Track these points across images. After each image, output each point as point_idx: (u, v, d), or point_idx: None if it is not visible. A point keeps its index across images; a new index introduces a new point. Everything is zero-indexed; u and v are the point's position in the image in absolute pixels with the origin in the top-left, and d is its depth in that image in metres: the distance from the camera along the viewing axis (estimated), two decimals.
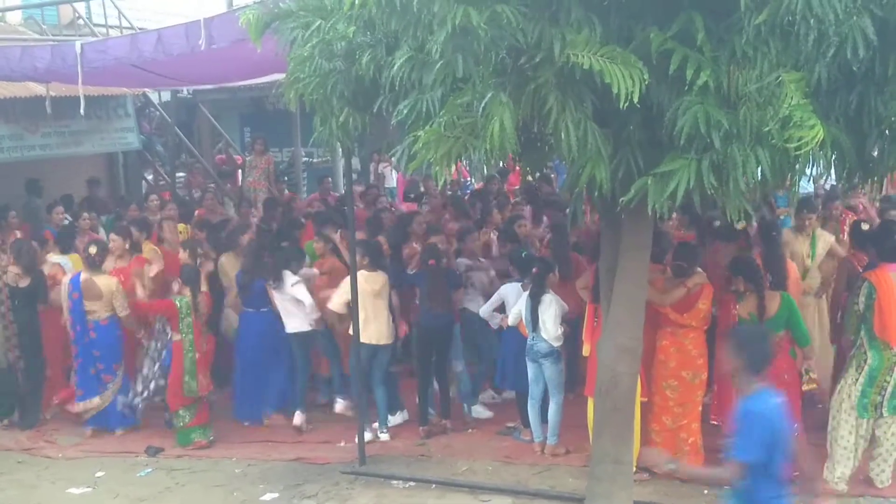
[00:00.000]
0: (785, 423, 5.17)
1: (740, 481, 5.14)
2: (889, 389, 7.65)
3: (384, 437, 9.51)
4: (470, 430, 9.69)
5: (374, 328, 9.28)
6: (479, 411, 10.04)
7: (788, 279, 8.51)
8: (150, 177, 19.07)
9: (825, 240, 9.72)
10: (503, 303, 9.28)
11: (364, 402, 9.03)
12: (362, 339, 9.04)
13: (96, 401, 9.85)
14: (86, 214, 12.62)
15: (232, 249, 10.69)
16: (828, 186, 12.78)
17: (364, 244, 9.47)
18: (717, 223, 9.70)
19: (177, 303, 9.36)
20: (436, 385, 9.75)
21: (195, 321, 9.36)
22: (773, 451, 5.05)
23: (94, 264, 9.74)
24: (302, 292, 9.57)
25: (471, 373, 10.04)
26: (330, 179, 17.33)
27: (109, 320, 9.76)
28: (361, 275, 9.11)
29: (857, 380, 7.72)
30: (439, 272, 9.45)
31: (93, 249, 9.76)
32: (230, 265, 10.44)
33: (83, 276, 9.73)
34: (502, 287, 9.39)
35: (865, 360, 7.70)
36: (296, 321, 9.73)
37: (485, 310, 9.43)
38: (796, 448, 5.30)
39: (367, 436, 9.15)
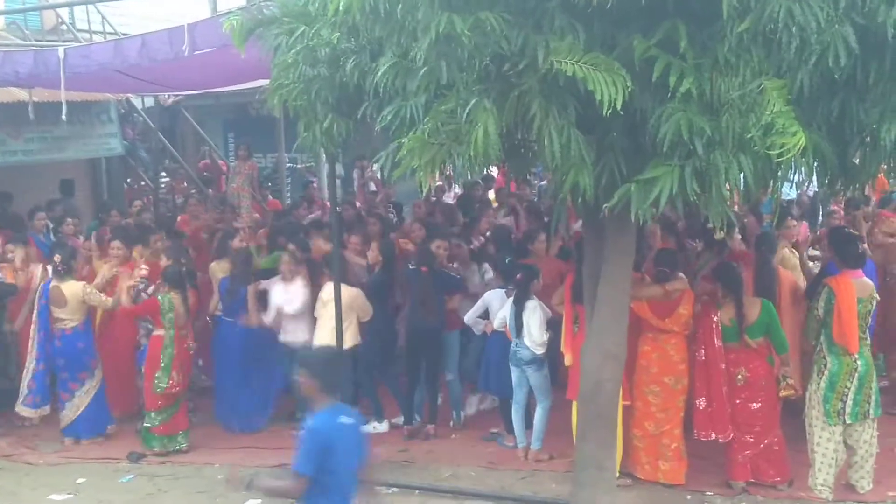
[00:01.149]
0: (348, 442, 5.36)
1: (302, 495, 5.31)
2: (850, 396, 7.69)
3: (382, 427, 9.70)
4: (453, 436, 9.69)
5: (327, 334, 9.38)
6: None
7: (781, 287, 8.58)
8: (129, 180, 18.97)
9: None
10: (486, 309, 9.29)
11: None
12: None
13: (47, 409, 9.85)
14: (69, 220, 12.57)
15: (223, 256, 10.63)
16: (811, 193, 12.90)
17: (328, 257, 9.55)
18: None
19: (159, 299, 9.34)
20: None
21: (176, 319, 9.35)
22: (327, 468, 5.23)
23: (59, 273, 9.68)
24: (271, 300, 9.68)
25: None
26: (315, 185, 17.28)
27: (73, 330, 9.67)
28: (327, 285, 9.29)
29: (819, 385, 7.78)
30: (430, 278, 9.45)
31: (57, 258, 9.74)
32: (221, 272, 10.36)
33: (52, 283, 9.69)
34: (486, 293, 9.42)
35: (825, 366, 7.77)
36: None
37: (469, 316, 9.46)
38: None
39: (384, 426, 9.57)
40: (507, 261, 9.37)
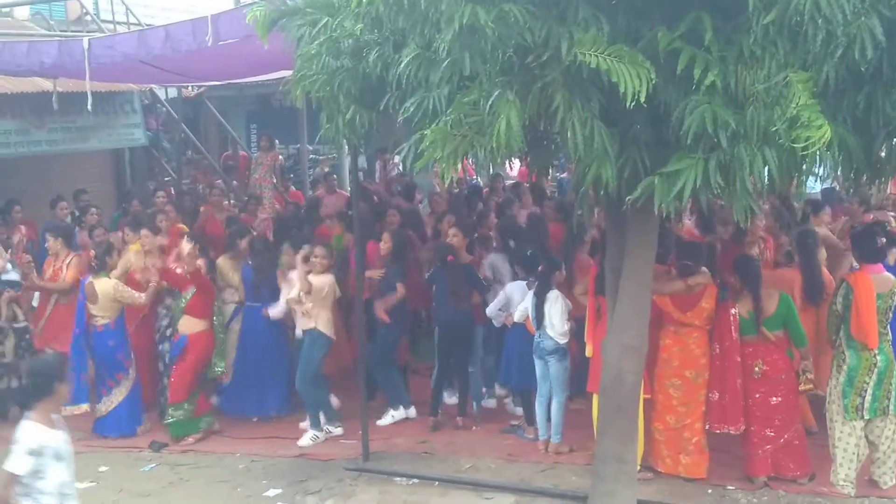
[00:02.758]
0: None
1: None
2: (869, 391, 7.64)
3: (337, 430, 9.67)
4: (474, 428, 9.69)
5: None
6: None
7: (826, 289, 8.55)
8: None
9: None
10: (508, 302, 9.29)
11: (365, 397, 9.03)
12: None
13: (84, 407, 9.72)
14: (94, 210, 12.65)
15: (230, 251, 10.64)
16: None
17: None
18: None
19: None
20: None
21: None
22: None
23: (93, 269, 9.72)
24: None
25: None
26: (335, 176, 17.30)
27: (105, 327, 9.66)
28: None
29: (838, 380, 7.74)
30: (457, 269, 9.47)
31: (91, 254, 9.82)
32: (227, 267, 10.33)
33: (89, 279, 9.70)
34: (507, 286, 9.41)
35: (844, 361, 7.72)
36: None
37: (491, 309, 9.43)
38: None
39: (322, 434, 9.51)
40: (528, 253, 9.35)
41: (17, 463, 5.59)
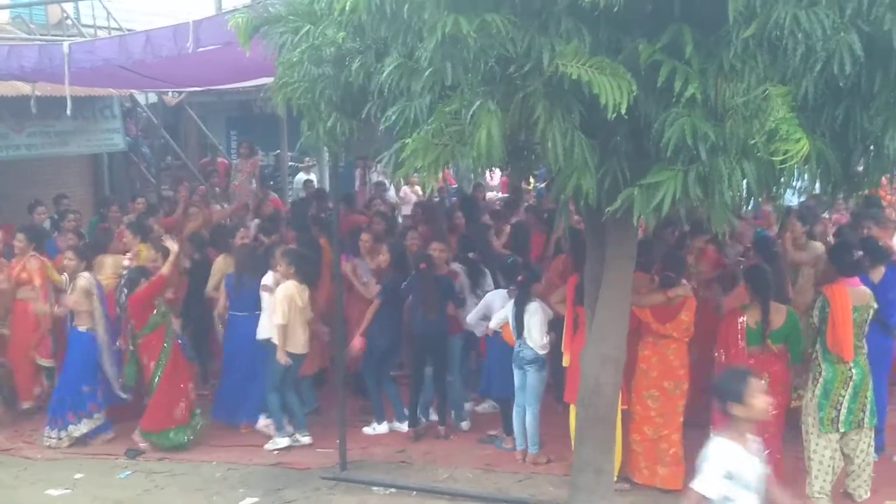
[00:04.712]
0: None
1: None
2: (844, 405, 7.67)
3: (305, 439, 9.63)
4: (451, 438, 9.68)
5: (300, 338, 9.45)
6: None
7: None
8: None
9: (815, 251, 9.76)
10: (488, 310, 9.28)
11: (343, 407, 9.00)
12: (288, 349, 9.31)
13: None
14: (71, 215, 12.59)
15: (227, 251, 10.63)
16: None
17: (295, 255, 9.52)
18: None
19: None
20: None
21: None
22: None
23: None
24: (269, 301, 9.54)
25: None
26: (315, 184, 17.29)
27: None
28: (294, 286, 9.29)
29: (814, 393, 7.76)
30: (430, 278, 9.43)
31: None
32: (226, 266, 10.34)
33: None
34: (488, 294, 9.41)
35: (820, 374, 7.73)
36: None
37: (471, 318, 9.41)
38: None
39: (286, 441, 9.48)
40: (509, 260, 9.35)
41: (709, 486, 4.94)
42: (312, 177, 19.78)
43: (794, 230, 9.99)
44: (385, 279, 10.05)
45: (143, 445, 9.50)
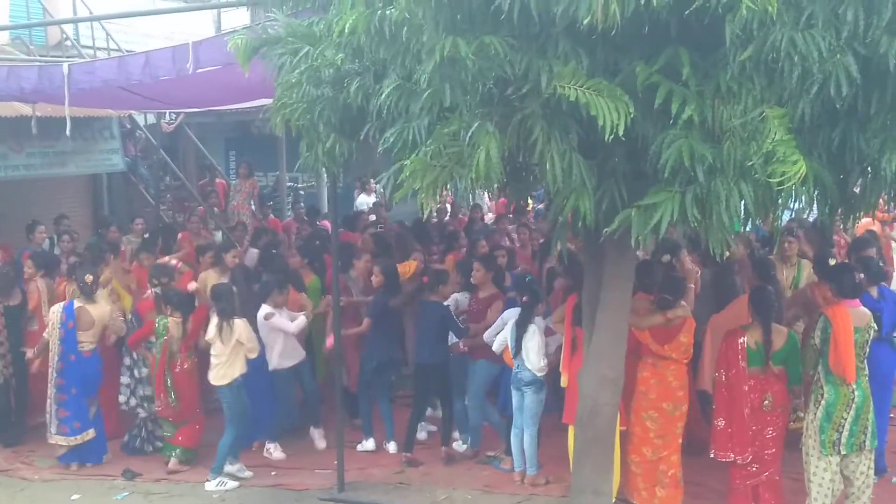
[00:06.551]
0: None
1: None
2: (846, 427, 7.65)
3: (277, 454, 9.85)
4: (452, 464, 9.62)
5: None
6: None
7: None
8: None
9: (809, 269, 9.77)
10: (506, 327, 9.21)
11: (342, 428, 8.99)
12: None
13: (91, 433, 9.65)
14: (66, 236, 12.59)
15: (216, 266, 10.61)
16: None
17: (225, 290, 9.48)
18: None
19: (156, 323, 9.40)
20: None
21: (169, 343, 9.39)
22: None
23: (89, 293, 9.66)
24: (280, 322, 9.55)
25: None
26: (302, 206, 17.37)
27: (92, 353, 9.63)
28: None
29: (815, 415, 7.74)
30: (431, 309, 9.47)
31: (89, 278, 9.66)
32: (212, 281, 10.28)
33: (76, 304, 9.60)
34: (505, 312, 9.25)
35: (822, 395, 7.69)
36: (275, 358, 9.72)
37: (488, 335, 9.19)
38: None
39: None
40: (527, 279, 9.31)
41: None
42: (372, 199, 19.50)
43: (789, 246, 10.04)
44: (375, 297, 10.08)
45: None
